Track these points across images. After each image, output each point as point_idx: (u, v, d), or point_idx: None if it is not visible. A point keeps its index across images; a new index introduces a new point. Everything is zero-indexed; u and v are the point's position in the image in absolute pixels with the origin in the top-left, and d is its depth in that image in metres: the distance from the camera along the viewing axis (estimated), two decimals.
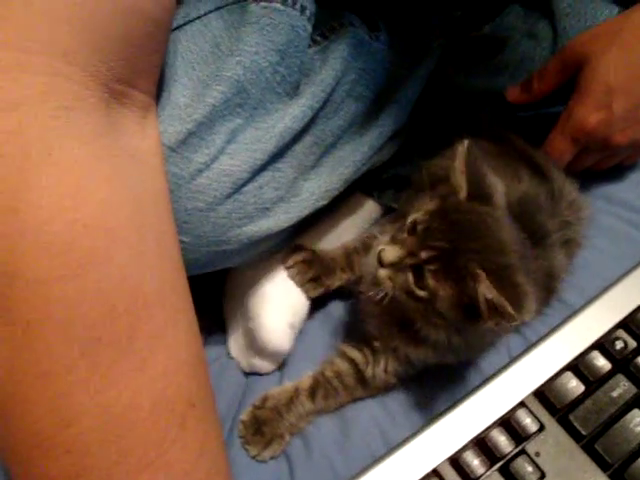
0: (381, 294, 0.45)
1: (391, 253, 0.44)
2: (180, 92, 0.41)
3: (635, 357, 0.49)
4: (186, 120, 0.40)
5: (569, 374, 0.48)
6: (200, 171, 0.41)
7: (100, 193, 0.30)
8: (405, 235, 0.45)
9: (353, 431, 0.49)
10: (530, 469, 0.44)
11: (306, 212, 0.48)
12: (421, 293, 0.43)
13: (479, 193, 0.44)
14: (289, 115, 0.45)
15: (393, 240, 0.45)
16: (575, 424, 0.45)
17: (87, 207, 0.30)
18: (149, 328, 0.31)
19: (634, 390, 0.47)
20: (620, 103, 0.54)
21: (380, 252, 0.44)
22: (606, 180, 0.64)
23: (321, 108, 0.47)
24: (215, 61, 0.42)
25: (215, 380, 0.52)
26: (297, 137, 0.46)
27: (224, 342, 0.57)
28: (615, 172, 0.63)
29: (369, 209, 0.64)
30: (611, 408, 0.46)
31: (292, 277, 0.55)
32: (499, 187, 0.47)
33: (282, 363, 0.55)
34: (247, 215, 0.44)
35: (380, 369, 0.50)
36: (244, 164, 0.43)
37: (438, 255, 0.42)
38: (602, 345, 0.49)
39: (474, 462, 0.44)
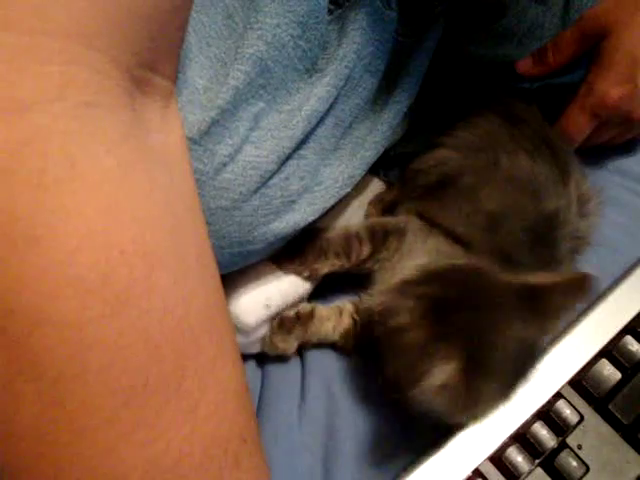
0: None
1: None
2: (197, 73, 0.35)
3: None
4: (208, 107, 0.34)
5: (604, 361, 0.47)
6: (225, 165, 0.36)
7: (135, 209, 0.25)
8: None
9: (386, 431, 0.46)
10: (575, 464, 0.42)
11: (331, 202, 0.44)
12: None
13: None
14: (314, 96, 0.40)
15: None
16: (615, 413, 0.44)
17: (123, 228, 0.24)
18: (198, 364, 0.27)
19: None
20: None
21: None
22: (619, 154, 0.62)
23: (342, 87, 0.42)
24: (231, 35, 0.36)
25: None
26: (321, 121, 0.41)
27: None
28: (629, 145, 0.62)
29: (375, 188, 0.60)
30: None
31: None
32: None
33: (300, 355, 0.51)
34: (273, 211, 0.39)
35: None
36: (271, 154, 0.38)
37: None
38: (634, 329, 0.48)
39: (517, 459, 0.43)
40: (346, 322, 0.51)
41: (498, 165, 0.53)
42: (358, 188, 0.59)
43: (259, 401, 0.49)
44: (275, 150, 0.38)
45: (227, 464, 0.28)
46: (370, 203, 0.58)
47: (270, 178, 0.38)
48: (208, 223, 0.37)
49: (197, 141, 0.34)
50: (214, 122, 0.35)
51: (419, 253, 0.49)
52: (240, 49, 0.36)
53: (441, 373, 0.36)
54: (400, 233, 0.50)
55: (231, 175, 0.36)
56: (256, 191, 0.38)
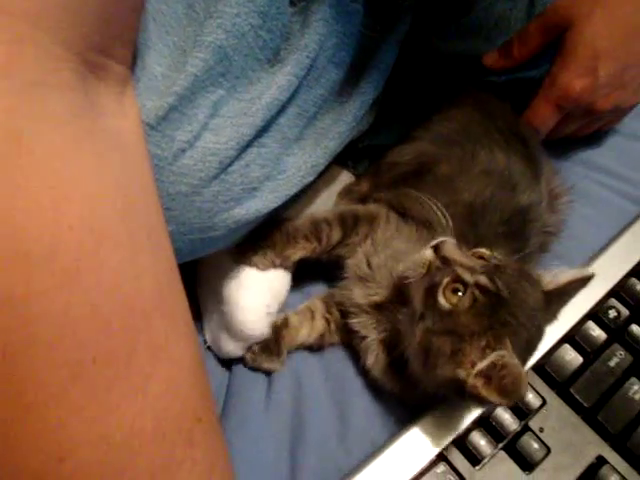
0: (406, 274, 0.42)
1: (453, 250, 0.42)
2: (155, 61, 0.35)
3: (628, 325, 0.49)
4: (165, 93, 0.35)
5: (567, 346, 0.48)
6: (183, 151, 0.36)
7: (84, 186, 0.25)
8: (470, 253, 0.43)
9: (352, 419, 0.47)
10: (536, 446, 0.43)
11: (294, 190, 0.44)
12: (443, 302, 0.40)
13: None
14: (275, 85, 0.40)
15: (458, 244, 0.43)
16: (577, 397, 0.45)
17: (71, 204, 0.25)
18: (149, 341, 0.27)
19: (630, 358, 0.47)
20: (606, 68, 0.52)
21: (444, 242, 0.42)
22: (584, 145, 0.63)
23: (305, 77, 0.43)
24: (191, 24, 0.37)
25: None
26: (282, 110, 0.42)
27: (200, 331, 0.52)
28: (593, 137, 0.63)
29: (344, 180, 0.61)
30: (610, 378, 0.46)
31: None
32: None
33: None
34: (234, 197, 0.40)
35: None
36: (230, 140, 0.38)
37: (491, 293, 0.40)
38: (596, 315, 0.49)
39: (480, 443, 0.43)
40: (319, 325, 0.51)
41: (475, 158, 0.54)
42: (326, 180, 0.59)
43: (227, 390, 0.49)
44: (234, 137, 0.38)
45: (180, 442, 0.28)
46: (339, 195, 0.59)
47: (230, 165, 0.39)
48: (168, 209, 0.37)
49: (154, 127, 0.35)
50: (172, 108, 0.35)
51: (396, 242, 0.49)
52: (199, 37, 0.36)
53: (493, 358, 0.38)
54: (371, 219, 0.50)
55: (190, 161, 0.36)
56: (216, 177, 0.38)
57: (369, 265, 0.49)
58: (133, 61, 0.35)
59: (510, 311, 0.40)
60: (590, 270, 0.45)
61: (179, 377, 0.29)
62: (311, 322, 0.51)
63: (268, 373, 0.49)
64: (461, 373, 0.38)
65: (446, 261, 0.41)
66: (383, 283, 0.47)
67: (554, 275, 0.44)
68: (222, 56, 0.37)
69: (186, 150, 0.36)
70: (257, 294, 0.50)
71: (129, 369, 0.26)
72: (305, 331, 0.51)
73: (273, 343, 0.49)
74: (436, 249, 0.42)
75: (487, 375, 0.38)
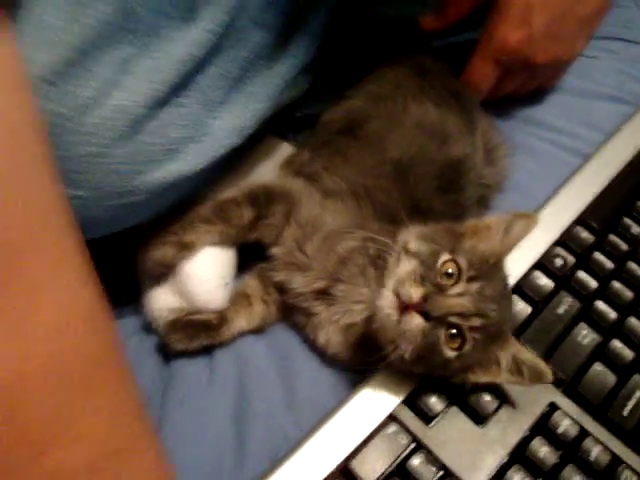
0: (402, 349, 0.38)
1: (441, 306, 0.38)
2: (49, 12, 0.33)
3: (575, 272, 0.48)
4: (61, 47, 0.33)
5: (515, 297, 0.47)
6: (89, 108, 0.34)
7: None
8: (446, 282, 0.39)
9: (298, 388, 0.45)
10: (488, 398, 0.42)
11: (221, 151, 0.42)
12: (450, 354, 0.39)
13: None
14: (189, 40, 0.38)
15: (432, 283, 0.39)
16: (527, 346, 0.44)
17: None
18: (26, 281, 0.26)
19: (578, 304, 0.47)
20: (539, 19, 0.52)
21: (431, 298, 0.38)
22: (525, 102, 0.63)
23: (225, 36, 0.41)
24: None
25: (134, 356, 0.47)
26: (200, 68, 0.40)
27: (138, 313, 0.50)
28: (535, 94, 0.63)
29: (284, 152, 0.59)
30: (558, 325, 0.46)
31: None
32: None
33: None
34: (153, 158, 0.38)
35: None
36: (140, 97, 0.36)
37: (485, 324, 0.39)
38: (542, 264, 0.48)
39: (431, 400, 0.42)
40: (258, 310, 0.48)
41: (407, 111, 0.52)
42: (267, 153, 0.58)
43: (169, 367, 0.47)
44: (146, 94, 0.36)
45: (75, 386, 0.27)
46: (280, 167, 0.57)
47: (144, 124, 0.37)
48: (79, 172, 0.35)
49: (52, 82, 0.32)
50: (70, 62, 0.33)
51: (326, 221, 0.47)
52: None
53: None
54: (286, 196, 0.47)
55: (97, 119, 0.34)
56: (128, 137, 0.36)
57: (303, 252, 0.46)
58: (22, 14, 0.32)
59: (502, 320, 0.40)
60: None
61: (68, 321, 0.27)
62: (248, 309, 0.48)
63: (208, 348, 0.47)
64: (484, 378, 0.41)
65: (438, 318, 0.38)
66: (322, 269, 0.45)
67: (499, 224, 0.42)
68: (127, 11, 0.35)
69: (92, 107, 0.34)
70: (210, 268, 0.47)
71: (1, 311, 0.25)
72: (243, 321, 0.47)
73: (198, 328, 0.45)
74: (424, 313, 0.38)
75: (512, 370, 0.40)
